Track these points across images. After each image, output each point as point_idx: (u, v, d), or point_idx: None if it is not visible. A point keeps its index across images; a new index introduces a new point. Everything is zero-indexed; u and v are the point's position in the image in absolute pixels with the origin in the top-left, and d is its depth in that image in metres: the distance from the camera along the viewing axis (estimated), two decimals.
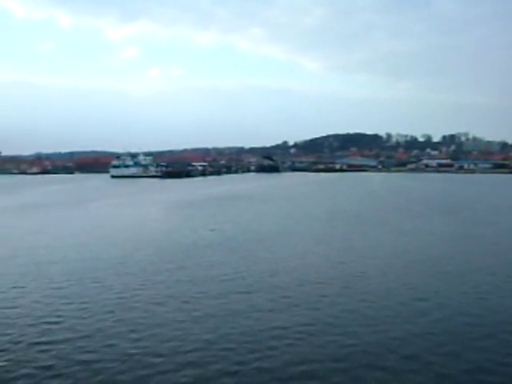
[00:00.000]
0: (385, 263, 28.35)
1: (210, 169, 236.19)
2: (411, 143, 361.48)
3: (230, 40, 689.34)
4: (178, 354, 15.27)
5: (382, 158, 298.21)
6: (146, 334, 17.03)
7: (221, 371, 14.09)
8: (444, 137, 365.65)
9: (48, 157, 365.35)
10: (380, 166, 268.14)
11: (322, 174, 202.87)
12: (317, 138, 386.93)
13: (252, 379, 13.68)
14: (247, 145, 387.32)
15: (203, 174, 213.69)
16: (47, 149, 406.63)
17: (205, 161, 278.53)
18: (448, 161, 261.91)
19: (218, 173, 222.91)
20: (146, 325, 17.91)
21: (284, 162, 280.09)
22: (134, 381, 13.53)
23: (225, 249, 33.25)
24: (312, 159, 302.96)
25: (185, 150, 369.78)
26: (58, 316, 18.97)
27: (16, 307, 20.23)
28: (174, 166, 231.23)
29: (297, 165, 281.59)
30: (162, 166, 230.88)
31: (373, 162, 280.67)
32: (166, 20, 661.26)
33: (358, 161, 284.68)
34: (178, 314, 19.06)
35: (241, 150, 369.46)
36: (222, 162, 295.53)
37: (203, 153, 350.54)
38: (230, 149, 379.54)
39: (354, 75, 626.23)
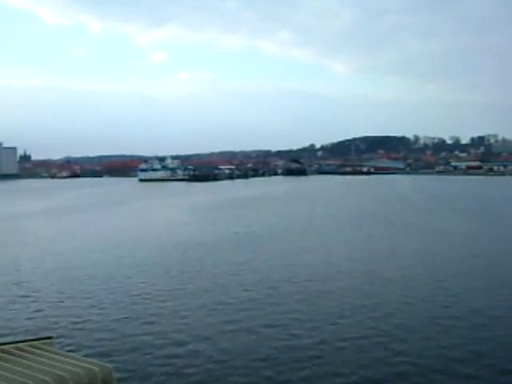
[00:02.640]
0: (409, 263, 28.79)
1: (237, 172, 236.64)
2: (439, 145, 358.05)
3: (257, 43, 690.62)
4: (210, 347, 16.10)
5: (409, 161, 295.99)
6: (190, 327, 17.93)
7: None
8: (473, 139, 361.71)
9: (77, 161, 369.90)
10: (407, 169, 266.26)
11: (349, 177, 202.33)
12: (344, 141, 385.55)
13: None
14: (274, 148, 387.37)
15: (230, 177, 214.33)
16: (76, 153, 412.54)
17: (232, 164, 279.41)
18: (477, 163, 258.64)
19: (245, 176, 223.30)
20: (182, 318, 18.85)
21: (311, 165, 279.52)
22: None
23: (248, 251, 33.89)
24: (339, 162, 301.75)
25: (212, 154, 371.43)
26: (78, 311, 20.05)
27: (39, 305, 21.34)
28: (202, 169, 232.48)
29: (324, 168, 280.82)
30: (190, 169, 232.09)
31: (400, 165, 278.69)
32: (193, 24, 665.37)
33: (386, 163, 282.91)
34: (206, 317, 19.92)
35: (268, 154, 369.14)
36: (249, 165, 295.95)
37: (230, 156, 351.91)
38: (256, 152, 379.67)
39: (382, 77, 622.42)
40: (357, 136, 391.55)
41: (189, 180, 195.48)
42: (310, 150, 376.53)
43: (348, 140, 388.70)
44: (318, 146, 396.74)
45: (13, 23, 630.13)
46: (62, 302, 21.45)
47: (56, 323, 18.44)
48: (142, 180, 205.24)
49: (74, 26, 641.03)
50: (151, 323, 18.29)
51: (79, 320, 18.81)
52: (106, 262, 30.67)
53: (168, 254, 33.15)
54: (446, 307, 19.93)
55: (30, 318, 19.06)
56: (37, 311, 20.07)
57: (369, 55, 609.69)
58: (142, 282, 24.78)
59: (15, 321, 18.83)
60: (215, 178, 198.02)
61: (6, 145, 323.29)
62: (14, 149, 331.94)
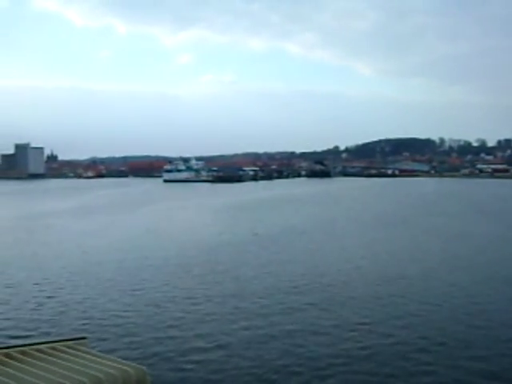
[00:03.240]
0: (431, 266, 28.63)
1: (261, 173, 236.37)
2: (465, 148, 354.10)
3: (281, 45, 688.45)
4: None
5: (434, 163, 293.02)
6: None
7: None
8: (499, 141, 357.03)
9: (102, 161, 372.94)
10: (432, 171, 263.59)
11: (374, 179, 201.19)
12: (368, 143, 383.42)
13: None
14: (298, 150, 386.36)
15: (254, 178, 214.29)
16: (102, 153, 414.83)
17: (256, 165, 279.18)
18: (503, 166, 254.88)
19: (269, 177, 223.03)
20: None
21: (335, 167, 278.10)
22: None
23: (269, 253, 34.02)
24: (363, 164, 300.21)
25: (236, 155, 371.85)
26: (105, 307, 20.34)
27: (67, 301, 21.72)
28: (226, 170, 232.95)
29: (348, 170, 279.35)
30: (214, 170, 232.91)
31: (425, 167, 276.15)
32: (219, 26, 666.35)
33: (410, 166, 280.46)
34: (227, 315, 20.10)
35: (292, 155, 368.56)
36: (273, 166, 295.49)
37: (254, 157, 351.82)
38: (280, 153, 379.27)
39: (407, 79, 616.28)
40: (381, 138, 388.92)
41: (213, 181, 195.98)
42: (335, 152, 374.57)
43: (373, 142, 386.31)
44: (342, 147, 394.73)
45: (41, 26, 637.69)
46: (87, 301, 21.75)
47: (80, 323, 18.73)
48: (166, 181, 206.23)
49: (101, 29, 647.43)
50: (176, 326, 18.48)
51: (104, 320, 19.09)
52: (129, 261, 31.03)
53: (190, 254, 33.49)
54: (467, 314, 19.80)
55: (57, 318, 19.35)
56: (63, 311, 20.38)
57: (393, 56, 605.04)
58: (165, 284, 25.02)
59: (41, 320, 19.14)
60: (239, 180, 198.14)
61: (33, 145, 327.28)
62: (41, 149, 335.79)
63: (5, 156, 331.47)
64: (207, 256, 32.76)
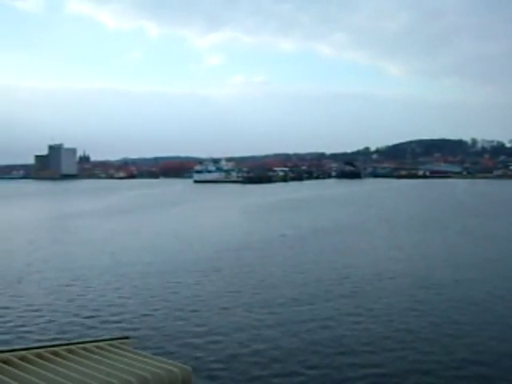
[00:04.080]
0: (464, 271, 28.27)
1: (291, 174, 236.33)
2: (498, 149, 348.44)
3: (312, 46, 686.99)
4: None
5: (466, 165, 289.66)
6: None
7: None
8: None
9: (134, 162, 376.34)
10: (464, 173, 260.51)
11: (404, 181, 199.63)
12: (399, 144, 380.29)
13: None
14: (328, 151, 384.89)
15: (284, 179, 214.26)
16: (133, 154, 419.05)
17: (286, 166, 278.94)
18: None
19: (299, 178, 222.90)
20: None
21: (365, 168, 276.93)
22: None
23: (297, 253, 34.05)
24: (394, 165, 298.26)
25: (266, 156, 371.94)
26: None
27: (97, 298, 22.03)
28: (256, 171, 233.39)
29: (379, 171, 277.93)
30: (244, 171, 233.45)
31: (457, 169, 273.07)
32: (249, 27, 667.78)
33: (442, 167, 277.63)
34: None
35: (322, 156, 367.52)
36: (303, 167, 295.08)
37: (284, 158, 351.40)
38: (311, 154, 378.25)
39: (439, 79, 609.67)
40: (412, 139, 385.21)
41: (243, 182, 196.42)
42: (365, 153, 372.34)
43: (403, 143, 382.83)
44: (372, 148, 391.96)
45: (75, 28, 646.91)
46: (117, 301, 21.96)
47: (111, 322, 18.95)
48: (196, 181, 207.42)
49: (133, 30, 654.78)
50: (209, 327, 18.56)
51: (136, 320, 19.28)
52: (159, 262, 31.31)
53: (219, 254, 33.65)
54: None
55: (89, 318, 19.58)
56: (94, 311, 20.61)
57: (425, 57, 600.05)
58: (195, 284, 25.15)
59: (74, 320, 19.40)
60: (269, 181, 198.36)
61: (66, 146, 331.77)
62: (73, 150, 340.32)
63: (38, 157, 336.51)
64: (235, 256, 32.94)
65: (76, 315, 19.84)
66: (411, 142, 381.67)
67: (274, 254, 33.87)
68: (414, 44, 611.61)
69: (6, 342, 16.01)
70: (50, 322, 19.00)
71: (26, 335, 17.30)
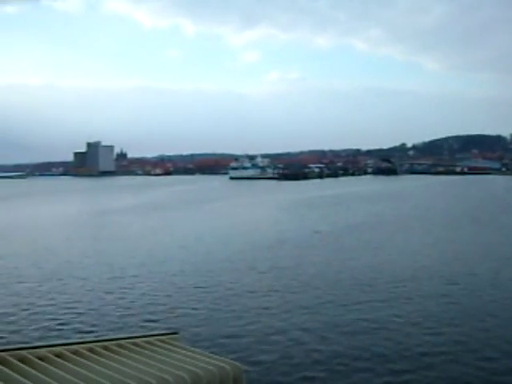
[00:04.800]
0: (502, 269, 27.81)
1: (327, 171, 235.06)
2: None
3: (347, 41, 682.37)
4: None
5: (505, 161, 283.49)
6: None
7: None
8: None
9: (170, 159, 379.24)
10: (504, 169, 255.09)
11: (442, 177, 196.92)
12: (436, 140, 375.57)
13: None
14: (364, 147, 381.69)
15: (320, 176, 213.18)
16: (170, 151, 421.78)
17: (321, 163, 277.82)
18: None
19: (334, 175, 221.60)
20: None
21: (402, 165, 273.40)
22: None
23: (330, 250, 34.03)
24: (431, 162, 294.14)
25: (301, 153, 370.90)
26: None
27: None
28: (291, 168, 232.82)
29: (415, 167, 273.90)
30: (279, 168, 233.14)
31: (496, 165, 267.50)
32: (284, 24, 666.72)
33: (480, 163, 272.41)
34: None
35: (357, 153, 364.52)
36: (339, 164, 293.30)
37: (320, 155, 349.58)
38: (346, 151, 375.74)
39: (476, 74, 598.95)
40: (449, 135, 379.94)
41: (278, 179, 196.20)
42: (401, 149, 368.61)
43: (440, 139, 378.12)
44: (409, 145, 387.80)
45: (112, 27, 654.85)
46: (155, 297, 22.19)
47: (150, 319, 19.16)
48: (232, 178, 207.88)
49: (169, 29, 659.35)
50: (249, 320, 18.66)
51: (175, 315, 19.47)
52: (195, 257, 31.69)
53: (253, 250, 33.91)
54: None
55: (126, 314, 19.84)
56: (136, 305, 20.88)
57: (462, 51, 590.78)
58: (230, 282, 25.18)
59: (115, 316, 19.68)
60: (305, 177, 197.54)
61: (104, 143, 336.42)
62: (111, 147, 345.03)
63: (77, 154, 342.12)
64: (269, 252, 33.08)
65: (116, 311, 20.12)
66: (448, 138, 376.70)
67: (308, 250, 33.87)
68: (450, 38, 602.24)
69: (42, 339, 16.35)
70: (90, 317, 19.29)
71: (69, 331, 17.61)
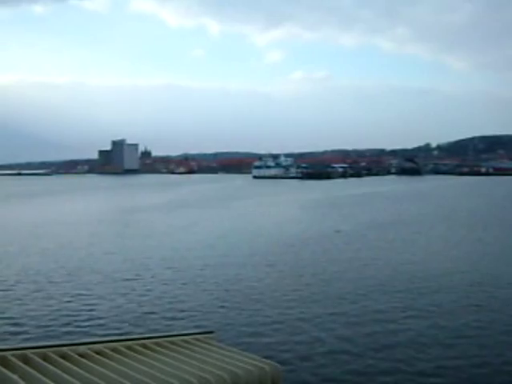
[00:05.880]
0: None
1: (350, 171, 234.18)
2: None
3: (373, 40, 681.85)
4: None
5: None
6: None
7: None
8: None
9: (194, 157, 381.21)
10: None
11: (467, 178, 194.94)
12: (461, 140, 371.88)
13: None
14: (388, 147, 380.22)
15: (343, 175, 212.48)
16: (193, 150, 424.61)
17: (345, 163, 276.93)
18: None
19: (358, 175, 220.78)
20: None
21: (426, 165, 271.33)
22: None
23: (352, 250, 33.87)
24: (456, 162, 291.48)
25: (325, 152, 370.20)
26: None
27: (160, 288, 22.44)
28: (315, 167, 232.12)
29: (439, 167, 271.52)
30: (303, 167, 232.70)
31: None
32: (309, 23, 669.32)
33: (506, 164, 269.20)
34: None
35: (381, 152, 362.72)
36: (363, 163, 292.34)
37: (343, 155, 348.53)
38: (370, 151, 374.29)
39: (503, 73, 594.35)
40: (475, 135, 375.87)
41: (302, 178, 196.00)
42: (426, 149, 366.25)
43: (466, 139, 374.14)
44: (433, 145, 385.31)
45: (138, 26, 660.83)
46: (180, 296, 22.29)
47: (177, 318, 19.29)
48: (255, 177, 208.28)
49: (195, 28, 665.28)
50: (275, 319, 18.68)
51: (201, 314, 19.58)
52: (219, 255, 31.87)
53: (275, 249, 34.06)
54: None
55: (154, 312, 19.99)
56: (161, 303, 21.01)
57: (489, 50, 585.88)
58: (253, 280, 25.21)
59: (140, 315, 19.83)
60: (328, 177, 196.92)
61: (128, 141, 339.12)
62: (135, 145, 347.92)
63: (102, 152, 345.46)
64: (290, 251, 33.17)
65: (141, 308, 20.27)
66: (473, 139, 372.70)
67: (330, 250, 33.91)
68: (478, 37, 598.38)
69: (68, 335, 16.54)
70: (114, 315, 19.47)
71: (95, 328, 17.82)
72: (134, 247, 35.70)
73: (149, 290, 23.09)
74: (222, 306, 20.51)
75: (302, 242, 37.29)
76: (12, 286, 24.05)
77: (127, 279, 25.33)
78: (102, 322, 18.52)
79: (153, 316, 19.20)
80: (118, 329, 17.40)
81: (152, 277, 25.89)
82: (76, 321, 18.57)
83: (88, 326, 17.97)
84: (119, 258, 31.30)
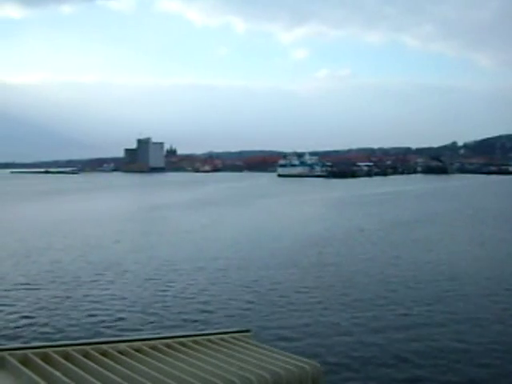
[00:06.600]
0: None
1: (376, 169, 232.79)
2: None
3: (398, 38, 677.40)
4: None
5: None
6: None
7: None
8: None
9: (219, 155, 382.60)
10: None
11: (494, 177, 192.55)
12: (488, 139, 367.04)
13: None
14: (414, 145, 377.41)
15: (368, 174, 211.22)
16: (218, 148, 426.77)
17: (370, 161, 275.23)
18: None
19: (383, 173, 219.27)
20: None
21: (452, 164, 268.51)
22: None
23: (376, 249, 33.70)
24: (482, 161, 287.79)
25: (350, 150, 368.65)
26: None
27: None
28: (340, 165, 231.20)
29: (466, 166, 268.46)
30: (328, 165, 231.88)
31: None
32: (334, 21, 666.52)
33: None
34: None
35: (407, 151, 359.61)
36: (388, 162, 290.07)
37: (368, 153, 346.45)
38: (395, 149, 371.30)
39: None
40: (502, 133, 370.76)
41: (327, 176, 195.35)
42: (452, 148, 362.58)
43: (493, 137, 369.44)
44: (460, 143, 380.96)
45: (164, 26, 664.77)
46: (204, 294, 22.35)
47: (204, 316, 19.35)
48: (280, 175, 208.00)
49: (220, 27, 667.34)
50: (314, 321, 18.66)
51: (228, 311, 19.63)
52: (243, 254, 32.04)
53: (299, 247, 34.14)
54: None
55: (183, 311, 20.09)
56: (184, 303, 21.11)
57: None
58: (279, 278, 25.25)
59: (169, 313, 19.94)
60: (353, 175, 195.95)
61: (154, 140, 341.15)
62: (161, 144, 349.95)
63: (128, 150, 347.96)
64: (314, 250, 33.13)
65: (169, 307, 20.38)
66: (501, 137, 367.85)
67: (353, 248, 33.86)
68: (505, 33, 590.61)
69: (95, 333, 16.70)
70: (140, 313, 19.61)
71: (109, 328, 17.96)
72: (160, 245, 35.95)
73: (174, 289, 23.22)
74: (249, 305, 20.54)
75: (326, 240, 37.30)
76: (40, 283, 24.39)
77: (153, 278, 25.46)
78: (128, 320, 18.66)
79: (179, 315, 19.28)
80: (147, 327, 17.54)
81: (177, 275, 26.02)
82: (104, 320, 18.71)
83: (113, 325, 18.10)
84: (144, 255, 31.53)
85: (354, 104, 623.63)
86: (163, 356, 4.58)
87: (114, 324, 18.05)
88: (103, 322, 18.31)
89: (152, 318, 18.76)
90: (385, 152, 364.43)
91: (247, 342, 5.09)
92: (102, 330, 17.27)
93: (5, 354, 4.26)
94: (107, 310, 19.87)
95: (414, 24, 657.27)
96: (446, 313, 19.31)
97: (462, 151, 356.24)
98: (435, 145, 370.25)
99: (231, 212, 59.88)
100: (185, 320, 18.59)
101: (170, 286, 23.63)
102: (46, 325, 17.94)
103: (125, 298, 21.51)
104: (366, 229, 43.35)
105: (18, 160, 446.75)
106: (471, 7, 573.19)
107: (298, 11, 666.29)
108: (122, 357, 4.53)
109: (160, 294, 22.37)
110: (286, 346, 14.60)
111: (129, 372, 4.14)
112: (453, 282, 24.19)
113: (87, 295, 21.92)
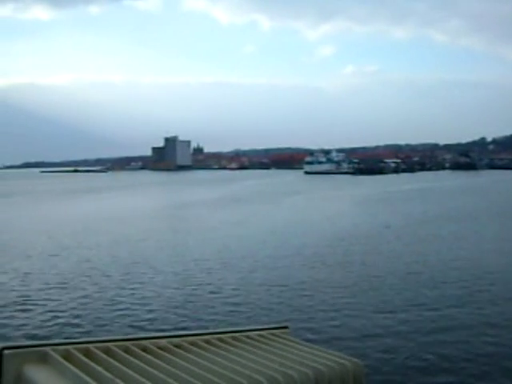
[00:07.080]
0: None
1: (403, 166, 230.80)
2: None
3: (426, 33, 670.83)
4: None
5: None
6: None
7: None
8: None
9: (245, 153, 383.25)
10: None
11: None
12: None
13: None
14: (441, 141, 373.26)
15: (396, 170, 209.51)
16: (245, 146, 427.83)
17: (397, 157, 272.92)
18: None
19: (410, 170, 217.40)
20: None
21: (481, 160, 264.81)
22: None
23: (396, 245, 33.75)
24: None
25: (377, 147, 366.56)
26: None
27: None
28: (367, 162, 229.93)
29: (496, 162, 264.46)
30: (355, 162, 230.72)
31: None
32: (361, 17, 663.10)
33: None
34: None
35: (435, 147, 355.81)
36: (415, 158, 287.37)
37: (396, 149, 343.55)
38: (423, 145, 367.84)
39: None
40: None
41: (354, 173, 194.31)
42: (481, 144, 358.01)
43: None
44: (489, 139, 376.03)
45: (190, 24, 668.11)
46: (235, 292, 22.47)
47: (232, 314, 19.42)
48: (307, 172, 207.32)
49: (246, 25, 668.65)
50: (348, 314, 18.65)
51: (258, 309, 19.67)
52: (270, 250, 32.16)
53: (325, 244, 34.22)
54: None
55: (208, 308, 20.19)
56: (212, 301, 21.19)
57: None
58: (306, 276, 25.24)
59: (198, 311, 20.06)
60: (380, 172, 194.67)
61: (181, 138, 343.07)
62: (188, 142, 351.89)
63: (155, 149, 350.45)
64: (341, 246, 33.23)
65: (198, 304, 20.51)
66: None
67: (380, 245, 33.71)
68: None
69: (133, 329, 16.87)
70: (173, 310, 19.75)
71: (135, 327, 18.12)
72: (188, 242, 36.17)
73: (205, 286, 23.30)
74: (280, 302, 20.58)
75: (352, 236, 37.27)
76: (69, 278, 24.75)
77: (182, 275, 25.65)
78: (163, 317, 18.83)
79: (213, 312, 19.39)
80: (182, 325, 17.65)
81: (207, 273, 26.14)
82: (134, 315, 18.94)
83: (144, 321, 18.28)
84: (173, 252, 31.79)
85: (380, 100, 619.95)
86: (203, 352, 4.59)
87: (148, 322, 18.20)
88: (137, 320, 18.47)
89: (186, 315, 18.89)
90: (412, 148, 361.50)
91: (286, 339, 5.07)
92: (140, 326, 17.45)
93: (48, 349, 4.32)
94: (140, 307, 20.06)
95: (442, 19, 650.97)
96: (478, 315, 19.06)
97: (491, 147, 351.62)
98: (463, 140, 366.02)
99: (259, 209, 59.97)
100: (217, 315, 18.71)
101: (201, 284, 23.74)
102: (83, 321, 18.18)
103: (159, 296, 21.69)
104: (393, 225, 43.13)
105: (47, 159, 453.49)
106: (500, 0, 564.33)
107: (323, 8, 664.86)
108: (163, 352, 4.55)
109: (191, 291, 22.50)
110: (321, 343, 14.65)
111: (170, 367, 4.15)
112: (481, 280, 23.85)
113: (118, 293, 22.14)
